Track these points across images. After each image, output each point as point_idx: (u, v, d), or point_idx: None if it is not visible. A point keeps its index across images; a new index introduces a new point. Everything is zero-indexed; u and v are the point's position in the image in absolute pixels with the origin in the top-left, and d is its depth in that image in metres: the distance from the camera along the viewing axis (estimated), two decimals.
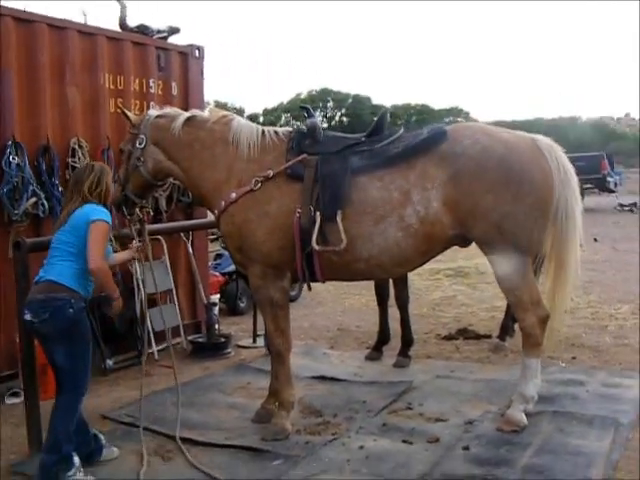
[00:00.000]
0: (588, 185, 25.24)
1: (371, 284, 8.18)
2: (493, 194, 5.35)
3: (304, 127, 5.94)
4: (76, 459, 4.93)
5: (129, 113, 6.32)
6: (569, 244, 5.68)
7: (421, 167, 5.49)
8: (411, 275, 10.64)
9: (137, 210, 6.04)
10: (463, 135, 5.56)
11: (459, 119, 62.41)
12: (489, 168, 5.38)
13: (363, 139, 5.86)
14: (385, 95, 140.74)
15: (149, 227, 6.39)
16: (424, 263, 5.94)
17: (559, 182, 5.51)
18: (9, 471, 5.25)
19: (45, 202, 7.07)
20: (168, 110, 6.28)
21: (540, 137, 5.71)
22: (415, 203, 5.43)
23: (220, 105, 47.73)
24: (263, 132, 5.96)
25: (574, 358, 7.70)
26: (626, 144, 67.31)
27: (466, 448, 5.27)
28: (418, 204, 5.43)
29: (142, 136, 6.01)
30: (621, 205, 30.08)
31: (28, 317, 4.88)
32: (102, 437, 5.43)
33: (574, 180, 5.65)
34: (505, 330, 8.18)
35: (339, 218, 5.45)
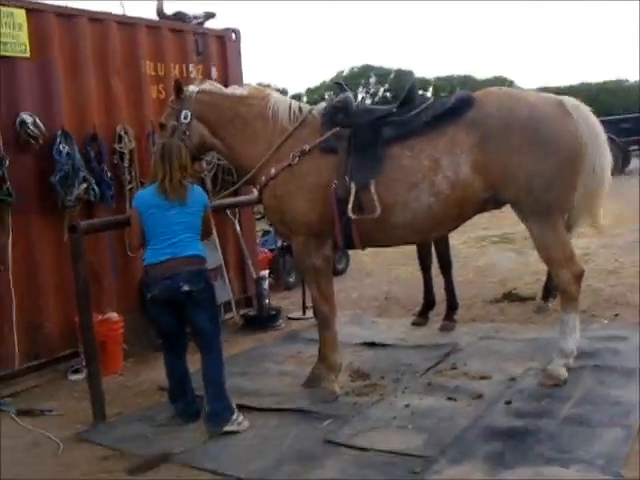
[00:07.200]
0: (634, 147, 24.75)
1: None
2: (519, 155, 5.48)
3: (337, 101, 6.10)
4: (233, 404, 5.46)
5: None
6: (598, 196, 5.81)
7: (449, 134, 5.63)
8: (457, 243, 10.76)
9: None
10: (488, 100, 5.70)
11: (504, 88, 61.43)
12: (514, 130, 5.50)
13: (394, 110, 6.00)
14: (428, 67, 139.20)
15: None
16: (458, 226, 6.09)
17: (587, 139, 5.59)
18: (76, 439, 5.59)
19: (96, 187, 7.33)
20: (207, 86, 6.39)
21: (566, 98, 5.79)
22: (445, 169, 5.58)
23: (263, 87, 47.58)
24: (300, 108, 6.15)
25: (617, 315, 7.75)
26: None
27: (508, 402, 5.41)
28: (448, 170, 5.57)
29: (186, 111, 6.16)
30: None
31: (187, 288, 5.30)
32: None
33: (602, 136, 5.72)
34: (548, 291, 8.24)
35: (372, 187, 5.61)
